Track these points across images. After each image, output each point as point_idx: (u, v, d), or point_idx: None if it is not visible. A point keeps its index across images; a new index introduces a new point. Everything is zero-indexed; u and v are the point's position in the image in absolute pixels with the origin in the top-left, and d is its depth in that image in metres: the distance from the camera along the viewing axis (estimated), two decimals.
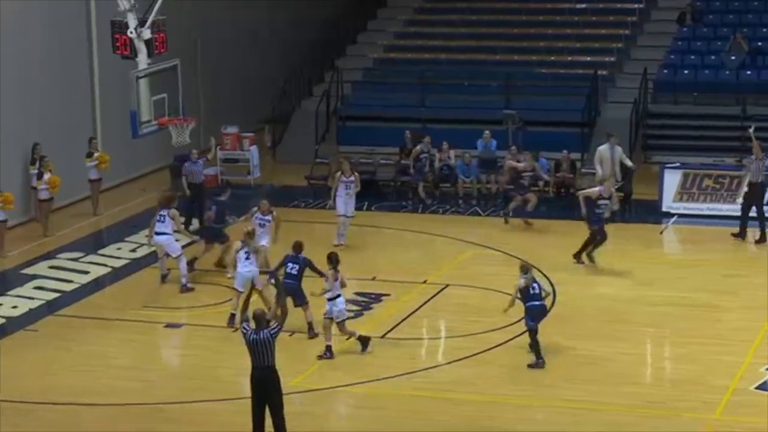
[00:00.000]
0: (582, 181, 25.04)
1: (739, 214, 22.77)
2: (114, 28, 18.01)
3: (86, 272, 21.36)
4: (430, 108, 29.04)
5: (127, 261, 21.99)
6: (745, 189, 22.97)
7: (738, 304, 19.11)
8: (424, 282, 20.40)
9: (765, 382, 16.06)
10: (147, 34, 17.92)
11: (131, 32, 17.85)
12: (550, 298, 17.91)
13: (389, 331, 18.17)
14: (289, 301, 16.90)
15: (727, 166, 25.76)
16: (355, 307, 19.11)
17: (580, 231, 21.28)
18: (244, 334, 13.90)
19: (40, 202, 23.53)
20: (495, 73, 29.53)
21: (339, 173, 22.47)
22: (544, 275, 19.65)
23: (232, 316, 18.31)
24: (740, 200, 23.08)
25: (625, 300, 19.46)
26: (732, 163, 26.02)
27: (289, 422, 14.00)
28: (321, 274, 17.41)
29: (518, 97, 28.59)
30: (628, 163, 24.53)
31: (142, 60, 18.00)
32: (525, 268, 17.14)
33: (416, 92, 29.28)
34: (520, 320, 17.28)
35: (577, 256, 20.97)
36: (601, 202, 20.87)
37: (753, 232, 22.60)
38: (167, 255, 20.28)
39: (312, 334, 17.70)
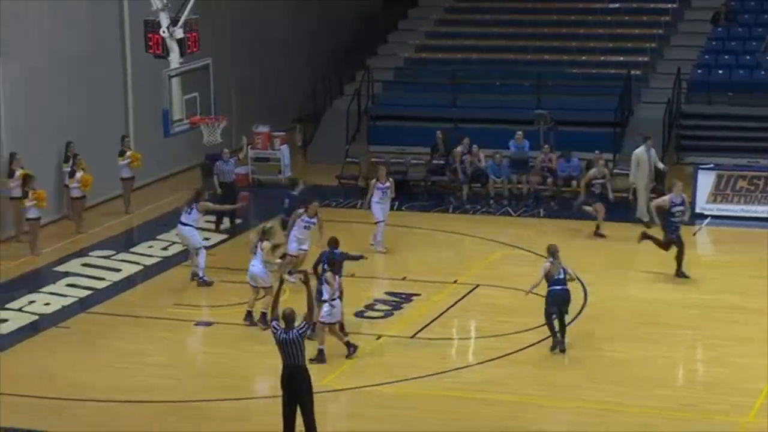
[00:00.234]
0: (616, 182, 24.86)
1: None
2: (147, 28, 18.11)
3: (118, 270, 21.47)
4: (461, 108, 28.97)
5: (158, 259, 22.08)
6: None
7: None
8: (455, 282, 20.38)
9: None
10: (179, 33, 18.00)
11: (164, 31, 17.94)
12: (576, 284, 17.71)
13: (419, 331, 18.17)
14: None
15: (761, 167, 25.59)
16: (385, 307, 19.14)
17: (613, 232, 20.94)
18: (274, 333, 13.95)
19: (73, 200, 23.68)
20: (526, 73, 29.40)
21: (374, 180, 22.43)
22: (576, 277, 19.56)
23: (248, 313, 18.42)
24: None
25: (657, 301, 19.34)
26: (767, 165, 25.80)
27: (319, 422, 14.01)
28: (357, 258, 18.30)
29: (549, 97, 28.45)
30: (660, 165, 24.40)
31: (175, 59, 18.07)
32: (552, 251, 17.07)
33: (447, 92, 29.21)
34: None
35: (678, 273, 20.27)
36: (675, 209, 20.25)
37: None
38: (195, 250, 20.35)
39: (343, 333, 17.71)
